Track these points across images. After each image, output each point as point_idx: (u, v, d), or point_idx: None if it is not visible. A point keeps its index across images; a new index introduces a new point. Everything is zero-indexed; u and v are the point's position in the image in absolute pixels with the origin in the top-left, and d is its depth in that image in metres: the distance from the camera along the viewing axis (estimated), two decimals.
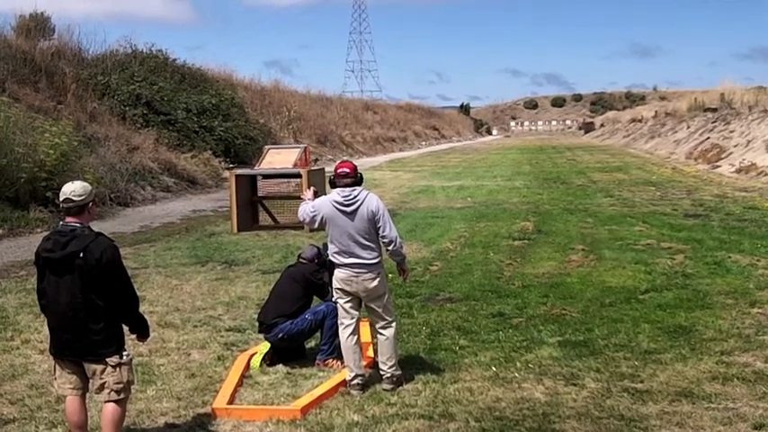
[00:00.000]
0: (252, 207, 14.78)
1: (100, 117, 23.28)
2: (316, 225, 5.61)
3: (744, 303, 7.70)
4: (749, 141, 27.48)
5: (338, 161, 5.83)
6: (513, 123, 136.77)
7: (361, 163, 39.92)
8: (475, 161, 38.42)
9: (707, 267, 9.51)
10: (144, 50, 28.45)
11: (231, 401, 5.29)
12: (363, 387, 5.48)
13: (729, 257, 10.05)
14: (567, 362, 6.01)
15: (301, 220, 5.72)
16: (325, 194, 5.75)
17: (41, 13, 26.78)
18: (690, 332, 6.74)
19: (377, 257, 5.47)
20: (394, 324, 5.62)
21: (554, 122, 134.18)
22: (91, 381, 4.36)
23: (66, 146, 16.36)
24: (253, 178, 14.78)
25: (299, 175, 13.82)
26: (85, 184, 4.38)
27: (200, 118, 27.11)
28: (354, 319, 5.59)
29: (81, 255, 4.13)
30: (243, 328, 7.26)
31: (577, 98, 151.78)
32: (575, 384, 5.52)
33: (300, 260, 6.58)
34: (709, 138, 32.85)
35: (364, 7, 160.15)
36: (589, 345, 6.44)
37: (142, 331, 4.50)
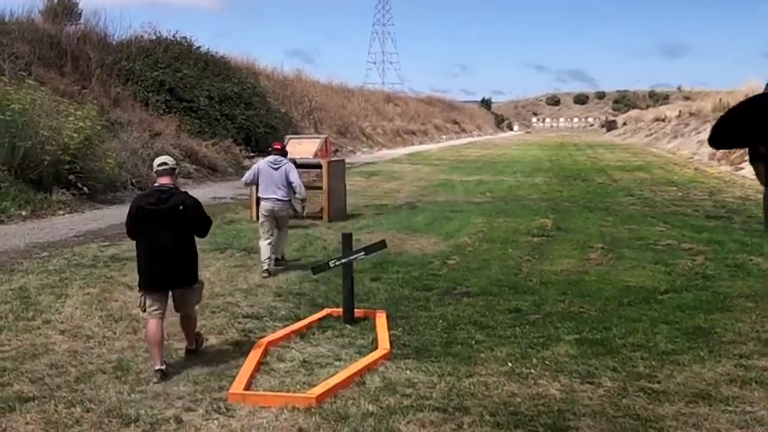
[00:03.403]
0: None
1: (123, 102, 23.46)
2: (254, 178, 9.40)
3: (764, 307, 7.62)
4: None
5: (273, 142, 10.50)
6: (534, 119, 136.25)
7: (381, 155, 39.93)
8: (495, 156, 38.30)
9: (727, 269, 9.42)
10: (168, 37, 28.63)
11: (247, 387, 5.33)
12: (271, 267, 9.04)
13: (750, 260, 9.96)
14: (583, 360, 5.99)
15: (244, 180, 9.89)
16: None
17: None
18: (708, 334, 6.69)
19: (286, 197, 9.29)
20: (286, 232, 9.69)
21: (576, 120, 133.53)
22: (176, 302, 5.84)
23: (89, 130, 16.52)
24: None
25: (319, 166, 13.85)
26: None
27: (222, 106, 27.23)
28: (271, 235, 9.08)
29: (180, 207, 5.70)
30: (260, 316, 7.32)
31: (600, 96, 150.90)
32: (591, 383, 5.50)
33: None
34: None
35: None
36: (606, 344, 6.42)
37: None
